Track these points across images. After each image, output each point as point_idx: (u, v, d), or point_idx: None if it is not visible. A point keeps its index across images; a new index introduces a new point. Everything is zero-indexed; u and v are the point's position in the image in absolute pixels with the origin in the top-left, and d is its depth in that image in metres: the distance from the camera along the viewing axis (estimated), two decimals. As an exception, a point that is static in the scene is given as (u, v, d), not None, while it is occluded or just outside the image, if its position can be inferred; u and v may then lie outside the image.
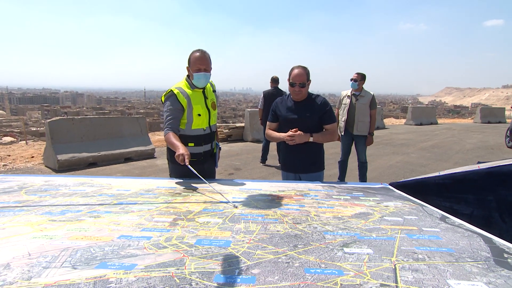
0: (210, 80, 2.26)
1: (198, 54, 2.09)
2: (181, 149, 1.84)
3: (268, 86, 6.12)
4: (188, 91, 2.12)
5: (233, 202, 1.59)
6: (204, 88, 2.19)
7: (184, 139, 2.09)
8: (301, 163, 2.33)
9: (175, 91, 2.08)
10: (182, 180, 2.09)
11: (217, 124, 2.42)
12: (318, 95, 2.35)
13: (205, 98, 2.20)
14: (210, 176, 2.36)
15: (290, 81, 2.24)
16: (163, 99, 2.15)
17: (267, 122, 2.49)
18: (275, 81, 6.04)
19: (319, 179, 2.35)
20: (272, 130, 2.44)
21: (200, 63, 2.07)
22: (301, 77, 2.21)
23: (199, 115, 2.14)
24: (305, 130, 2.22)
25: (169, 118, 2.05)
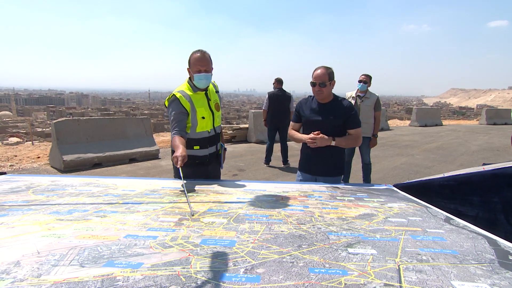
0: (213, 81, 2.24)
1: (197, 55, 2.06)
2: (178, 151, 1.82)
3: (271, 88, 6.13)
4: (191, 94, 2.10)
5: (192, 210, 1.47)
6: (206, 90, 2.17)
7: (189, 143, 2.09)
8: (321, 167, 2.28)
9: (178, 95, 2.06)
10: (187, 181, 2.11)
11: (221, 126, 2.42)
12: (343, 98, 2.29)
13: (208, 99, 2.18)
14: (215, 177, 2.36)
15: (312, 81, 2.21)
16: (166, 103, 2.14)
17: (291, 122, 2.47)
18: (279, 82, 6.05)
19: (337, 183, 2.27)
20: (295, 130, 2.41)
21: (200, 64, 2.04)
22: (321, 77, 2.17)
23: (203, 118, 2.13)
24: (328, 133, 2.18)
25: (174, 123, 2.04)
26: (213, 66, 2.14)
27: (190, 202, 1.57)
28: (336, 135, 2.21)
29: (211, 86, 2.23)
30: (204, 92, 2.16)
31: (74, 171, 5.62)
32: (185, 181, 1.76)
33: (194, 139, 2.15)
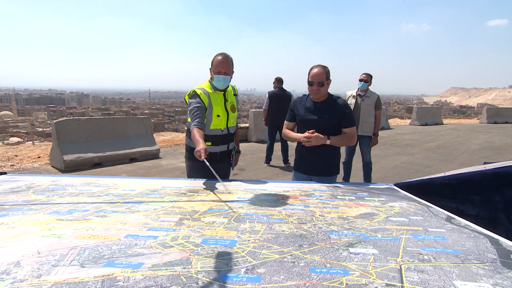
0: (233, 85, 2.39)
1: (220, 57, 2.20)
2: (200, 145, 1.88)
3: (272, 87, 6.13)
4: (210, 92, 2.23)
5: (240, 201, 1.55)
6: (225, 91, 2.29)
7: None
8: (316, 166, 2.28)
9: (198, 92, 2.19)
10: (187, 180, 2.11)
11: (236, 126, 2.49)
12: (338, 97, 2.28)
13: (225, 100, 2.29)
14: (224, 176, 2.42)
15: (309, 80, 2.19)
16: (187, 99, 2.26)
17: (285, 121, 2.45)
18: (279, 81, 6.04)
19: (332, 183, 2.27)
20: (289, 129, 2.41)
21: (221, 66, 2.18)
22: (319, 76, 2.15)
23: (218, 116, 2.24)
24: (323, 132, 2.17)
25: (195, 114, 2.12)
26: (233, 69, 2.27)
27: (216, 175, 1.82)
28: (331, 134, 2.21)
29: (230, 88, 2.34)
30: (222, 93, 2.28)
31: (75, 171, 5.62)
32: (217, 174, 1.86)
33: (207, 135, 2.23)
